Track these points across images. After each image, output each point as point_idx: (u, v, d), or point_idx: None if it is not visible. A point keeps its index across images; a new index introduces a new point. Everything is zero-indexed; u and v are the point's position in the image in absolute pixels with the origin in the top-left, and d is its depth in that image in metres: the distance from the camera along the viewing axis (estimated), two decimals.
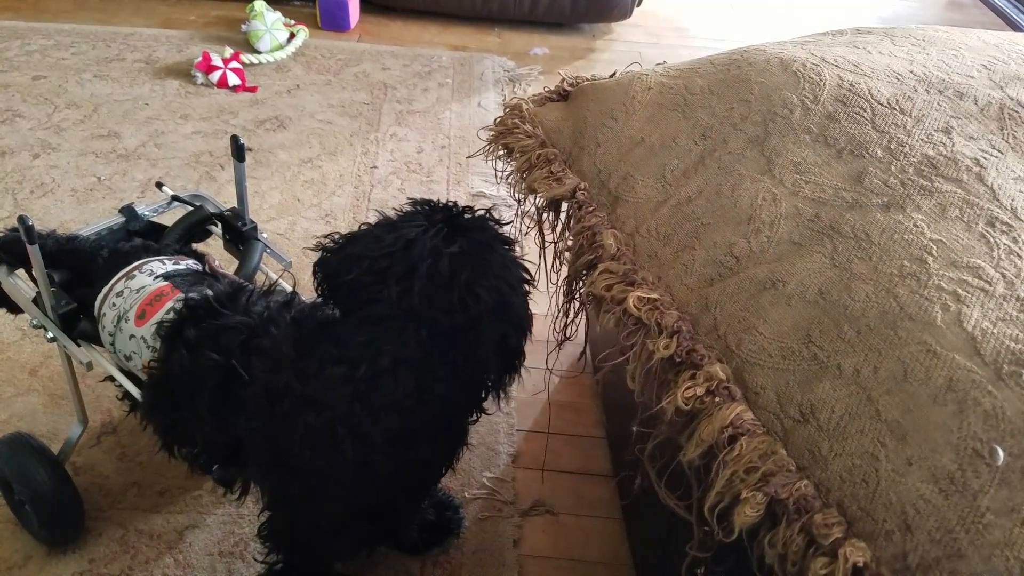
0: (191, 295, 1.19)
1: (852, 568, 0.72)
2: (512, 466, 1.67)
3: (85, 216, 2.20)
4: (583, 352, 1.21)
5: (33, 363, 1.77)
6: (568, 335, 1.43)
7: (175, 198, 1.49)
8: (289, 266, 1.43)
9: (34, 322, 1.32)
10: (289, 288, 1.26)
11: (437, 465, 1.20)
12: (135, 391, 1.25)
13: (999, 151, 1.03)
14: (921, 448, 0.75)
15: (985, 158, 1.01)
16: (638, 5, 3.54)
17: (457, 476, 1.61)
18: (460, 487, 1.60)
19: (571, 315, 1.38)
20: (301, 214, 2.30)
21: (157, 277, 1.25)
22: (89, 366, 1.28)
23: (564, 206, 1.28)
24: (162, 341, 1.17)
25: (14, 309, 1.43)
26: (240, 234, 1.45)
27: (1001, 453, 0.72)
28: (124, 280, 1.26)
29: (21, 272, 1.37)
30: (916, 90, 1.14)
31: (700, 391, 0.89)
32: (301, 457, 1.06)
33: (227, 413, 1.11)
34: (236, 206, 1.46)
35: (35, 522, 1.40)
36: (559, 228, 1.34)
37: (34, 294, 1.31)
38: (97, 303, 1.27)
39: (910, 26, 1.39)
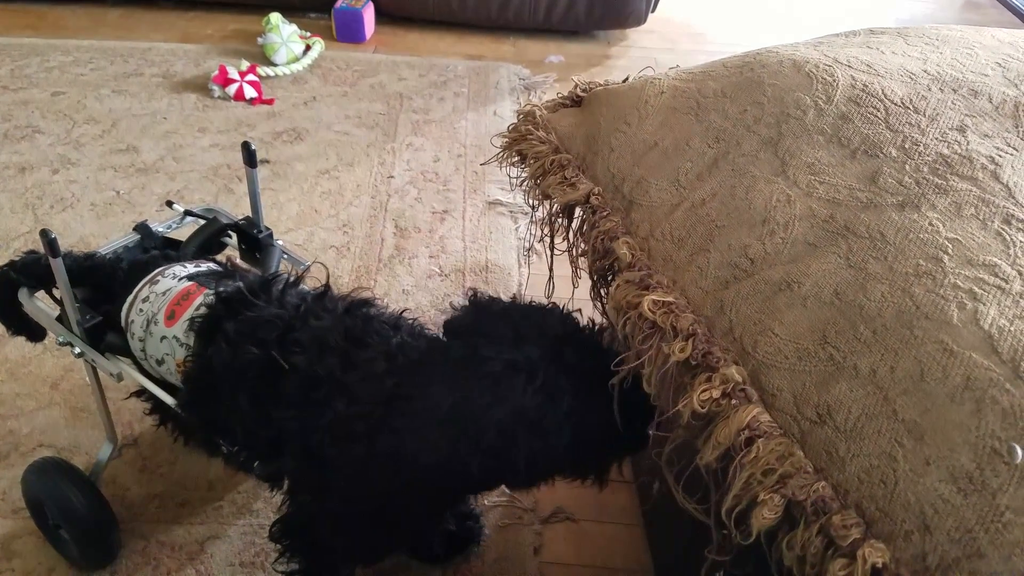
0: (221, 288, 1.19)
1: (871, 569, 0.72)
2: None
3: (104, 230, 2.23)
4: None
5: (55, 377, 1.79)
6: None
7: (188, 212, 1.50)
8: (307, 269, 1.43)
9: (60, 340, 1.31)
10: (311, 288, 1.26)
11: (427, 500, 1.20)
12: (167, 398, 1.25)
13: (1014, 148, 1.02)
14: (939, 447, 0.75)
15: (1000, 156, 1.00)
16: (653, 11, 3.54)
17: None
18: (479, 495, 1.60)
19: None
20: (319, 224, 2.31)
21: (181, 279, 1.25)
22: (119, 377, 1.28)
23: (578, 211, 1.28)
24: (196, 336, 1.17)
25: (34, 336, 1.44)
26: (256, 241, 1.45)
27: (1020, 451, 0.71)
28: (148, 286, 1.26)
29: (40, 294, 1.38)
30: (930, 89, 1.13)
31: (716, 394, 0.88)
32: (321, 444, 1.07)
33: (267, 405, 1.12)
34: (250, 215, 1.47)
35: (72, 547, 1.40)
36: (572, 234, 1.34)
37: (57, 313, 1.32)
38: (123, 312, 1.27)
39: (924, 26, 1.38)
